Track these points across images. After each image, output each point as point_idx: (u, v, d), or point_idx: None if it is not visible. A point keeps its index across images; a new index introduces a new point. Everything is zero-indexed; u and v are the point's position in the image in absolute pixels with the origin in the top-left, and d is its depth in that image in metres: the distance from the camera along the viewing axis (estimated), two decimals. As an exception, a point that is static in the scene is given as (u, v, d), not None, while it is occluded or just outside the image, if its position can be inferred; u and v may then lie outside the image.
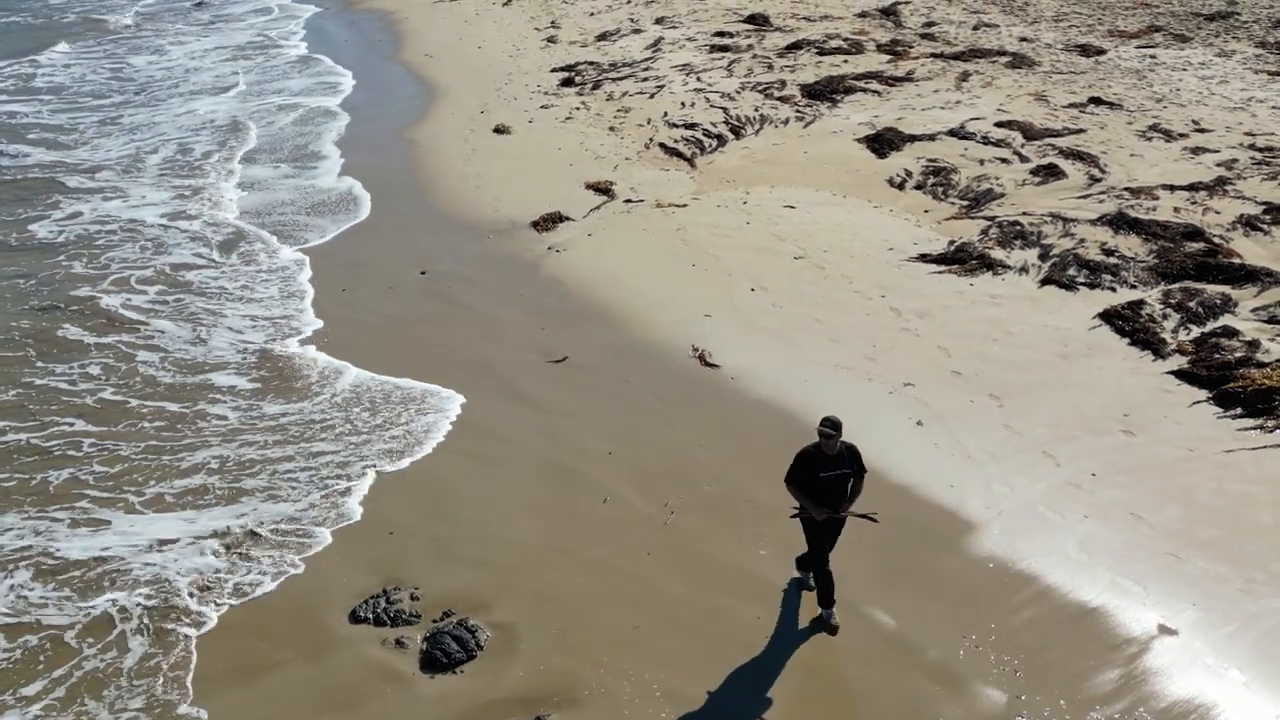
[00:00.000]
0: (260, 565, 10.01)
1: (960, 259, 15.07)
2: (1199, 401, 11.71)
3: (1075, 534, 9.86)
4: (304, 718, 8.36)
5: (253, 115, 25.37)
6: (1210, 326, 13.01)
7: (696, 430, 11.79)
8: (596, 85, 24.79)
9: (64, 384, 13.25)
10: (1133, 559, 9.51)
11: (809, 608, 9.12)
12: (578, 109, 23.26)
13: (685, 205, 17.68)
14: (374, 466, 11.41)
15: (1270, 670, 8.31)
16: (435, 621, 9.16)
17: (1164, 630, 8.74)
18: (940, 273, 14.86)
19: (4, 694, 8.67)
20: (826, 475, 8.45)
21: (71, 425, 12.34)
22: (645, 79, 24.82)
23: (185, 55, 32.66)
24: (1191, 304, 13.45)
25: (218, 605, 9.54)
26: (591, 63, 26.84)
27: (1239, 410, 11.47)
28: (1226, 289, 13.77)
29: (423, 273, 15.89)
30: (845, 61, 24.57)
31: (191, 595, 9.61)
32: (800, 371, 12.73)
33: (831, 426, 8.36)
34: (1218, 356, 12.30)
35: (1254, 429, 11.19)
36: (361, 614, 9.30)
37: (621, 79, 25.08)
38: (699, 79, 24.29)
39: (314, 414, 12.49)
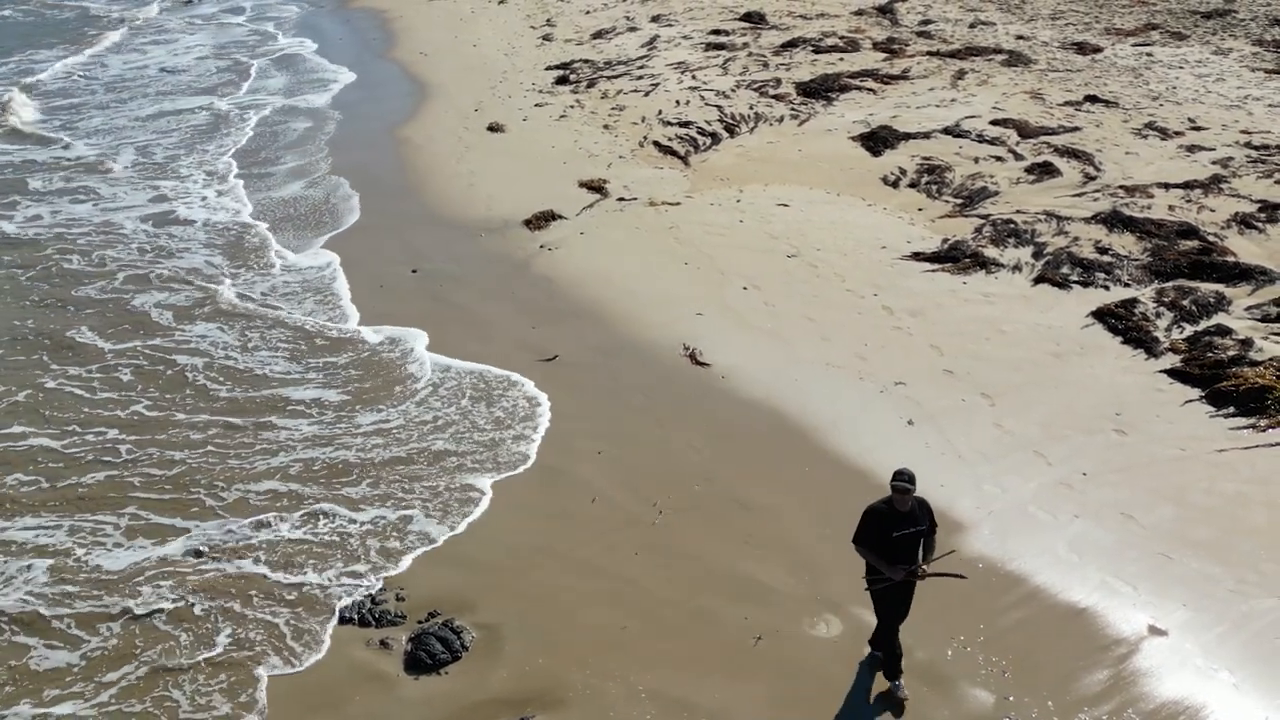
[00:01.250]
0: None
1: (953, 257, 15.01)
2: (1191, 400, 11.64)
3: (1066, 534, 9.79)
4: (287, 718, 8.30)
5: (243, 113, 25.30)
6: (1203, 325, 12.95)
7: (686, 430, 11.71)
8: (591, 83, 24.73)
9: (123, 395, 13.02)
10: (1124, 559, 9.44)
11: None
12: (572, 107, 23.20)
13: (678, 204, 17.62)
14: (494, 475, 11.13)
15: (1260, 671, 8.24)
16: (420, 622, 9.10)
17: (1154, 631, 8.68)
18: (933, 271, 14.79)
19: (89, 681, 8.71)
20: (900, 534, 7.76)
21: (108, 434, 12.24)
22: (640, 77, 24.76)
23: (170, 53, 32.55)
24: (1185, 302, 13.38)
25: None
26: (586, 61, 26.78)
27: (1231, 409, 11.41)
28: (1220, 287, 13.71)
29: (414, 271, 15.81)
30: (841, 60, 24.51)
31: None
32: (791, 370, 12.66)
33: (908, 481, 7.66)
34: (1210, 355, 12.23)
35: (1246, 428, 11.13)
36: (347, 614, 9.24)
37: (616, 77, 25.03)
38: (694, 77, 24.24)
39: (419, 415, 12.20)
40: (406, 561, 9.90)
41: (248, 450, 11.63)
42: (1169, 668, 8.33)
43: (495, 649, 8.83)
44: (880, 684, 8.36)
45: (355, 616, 9.20)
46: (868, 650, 8.58)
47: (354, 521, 10.44)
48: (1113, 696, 8.09)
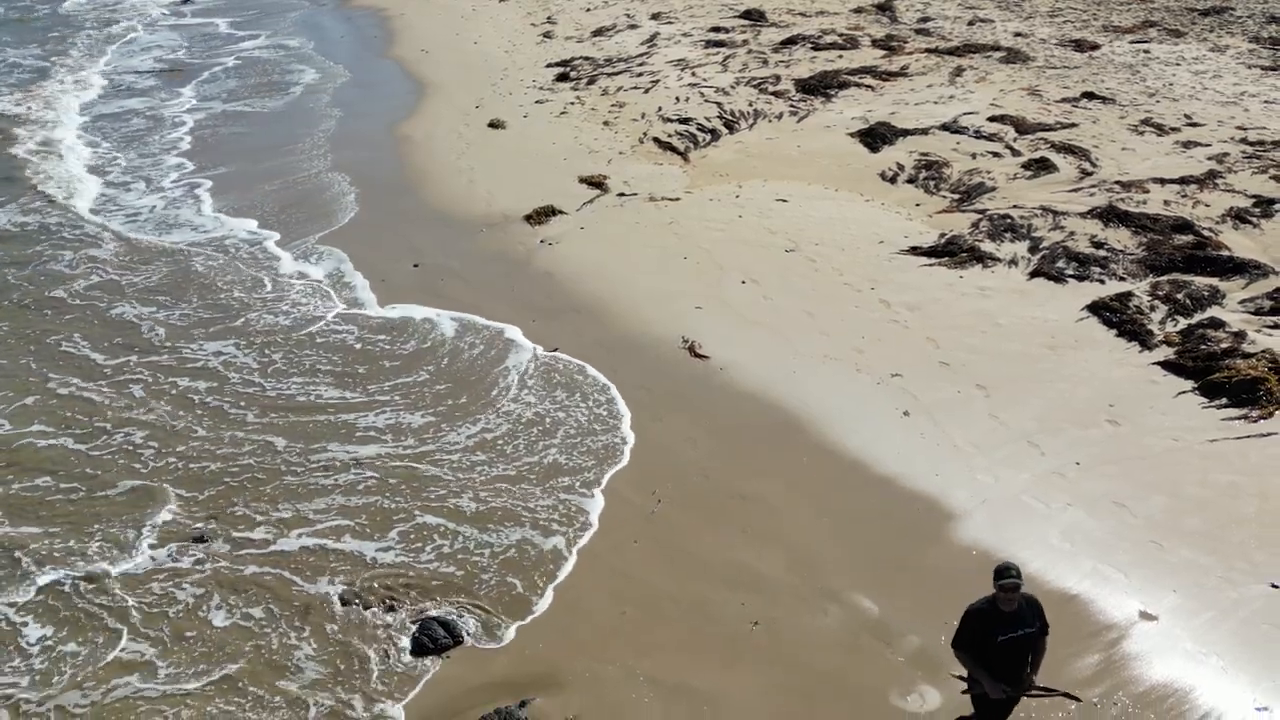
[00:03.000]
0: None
1: (950, 252, 15.13)
2: (1184, 392, 11.77)
3: (1059, 523, 9.92)
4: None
5: (246, 107, 25.45)
6: (1197, 318, 13.06)
7: (684, 421, 11.83)
8: (592, 80, 24.85)
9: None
10: (1115, 547, 9.57)
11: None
12: (572, 104, 23.32)
13: (678, 199, 17.75)
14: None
15: (1248, 656, 8.37)
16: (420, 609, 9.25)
17: (1144, 616, 8.81)
18: (930, 265, 14.92)
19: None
20: (1005, 639, 6.93)
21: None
22: (640, 74, 24.88)
23: (167, 51, 32.70)
24: (1179, 296, 13.50)
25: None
26: (587, 58, 26.90)
27: (1224, 400, 11.53)
28: (1214, 281, 13.83)
29: (415, 265, 15.94)
30: (840, 57, 24.63)
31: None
32: (789, 363, 12.78)
33: (1015, 576, 6.78)
34: (1204, 347, 12.36)
35: (1238, 419, 11.25)
36: (349, 599, 9.38)
37: (617, 74, 25.16)
38: (694, 74, 24.36)
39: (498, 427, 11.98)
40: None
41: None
42: (1159, 652, 8.46)
43: (496, 634, 8.99)
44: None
45: (358, 601, 9.35)
46: None
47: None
48: (1104, 679, 8.22)
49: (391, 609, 9.27)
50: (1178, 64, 22.38)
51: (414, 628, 9.02)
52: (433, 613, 9.15)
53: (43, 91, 27.54)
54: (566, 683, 8.46)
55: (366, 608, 9.27)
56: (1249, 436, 10.97)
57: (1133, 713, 7.95)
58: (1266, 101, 19.74)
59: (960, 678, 7.40)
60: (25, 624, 9.28)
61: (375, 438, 11.74)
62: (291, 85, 27.61)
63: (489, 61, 27.81)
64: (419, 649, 8.83)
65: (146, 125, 24.40)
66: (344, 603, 9.35)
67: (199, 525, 10.37)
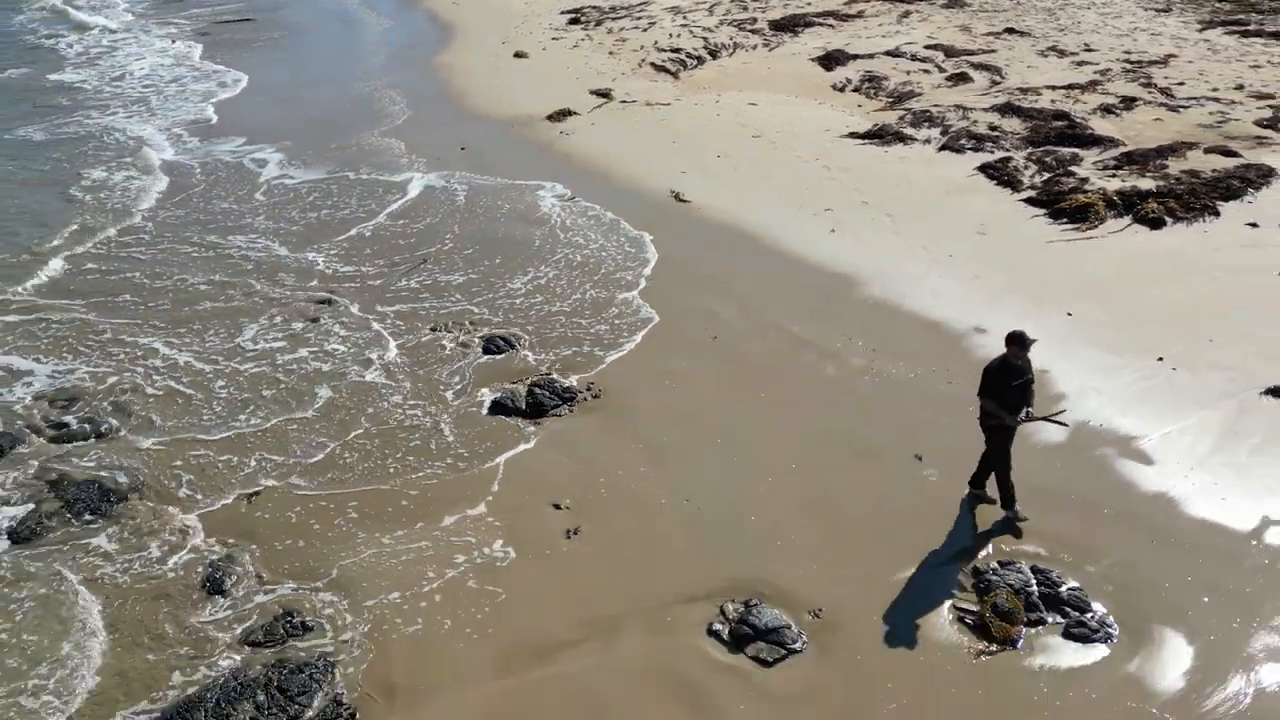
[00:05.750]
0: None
1: (880, 135, 19.43)
2: (1037, 216, 16.07)
3: (931, 285, 14.21)
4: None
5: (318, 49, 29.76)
6: (1058, 173, 17.35)
7: (673, 241, 16.11)
8: (599, 23, 29.14)
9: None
10: (968, 298, 13.84)
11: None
12: (583, 40, 27.63)
13: (669, 104, 22.03)
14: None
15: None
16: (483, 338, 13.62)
17: (978, 330, 13.08)
18: (863, 145, 19.22)
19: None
20: (1018, 384, 9.21)
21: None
22: (640, 18, 29.17)
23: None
24: (1048, 160, 17.80)
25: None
26: (595, 6, 31.20)
27: (1065, 221, 15.83)
28: (1077, 150, 18.12)
29: (462, 148, 20.24)
30: (808, 4, 28.90)
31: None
32: (749, 203, 17.08)
33: (1027, 343, 9.16)
34: (1056, 188, 16.66)
35: (1071, 230, 15.56)
36: (436, 328, 13.71)
37: (620, 18, 29.44)
38: (685, 18, 28.65)
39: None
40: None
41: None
42: (983, 348, 12.72)
43: (532, 347, 13.30)
44: (984, 515, 10.04)
45: (443, 328, 13.67)
46: (968, 489, 10.11)
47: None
48: (942, 360, 12.43)
49: (467, 331, 13.60)
50: (1089, 7, 26.67)
51: (482, 343, 13.32)
52: (497, 331, 13.48)
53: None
54: (600, 371, 12.78)
55: (448, 331, 13.60)
56: (1075, 240, 15.28)
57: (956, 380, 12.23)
58: (1153, 34, 24.02)
59: (983, 417, 9.52)
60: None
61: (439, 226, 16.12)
62: (343, 28, 31.93)
63: (510, 10, 32.16)
64: (486, 352, 13.14)
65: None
66: (433, 330, 13.68)
67: (324, 293, 14.70)
